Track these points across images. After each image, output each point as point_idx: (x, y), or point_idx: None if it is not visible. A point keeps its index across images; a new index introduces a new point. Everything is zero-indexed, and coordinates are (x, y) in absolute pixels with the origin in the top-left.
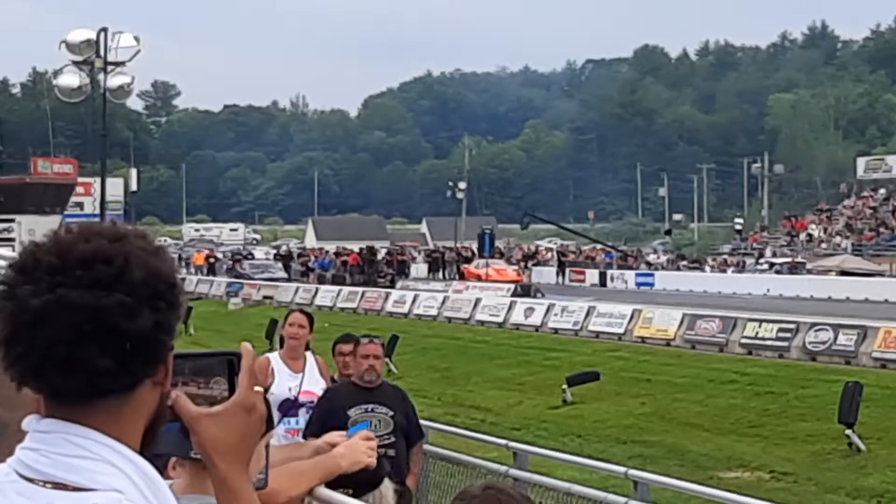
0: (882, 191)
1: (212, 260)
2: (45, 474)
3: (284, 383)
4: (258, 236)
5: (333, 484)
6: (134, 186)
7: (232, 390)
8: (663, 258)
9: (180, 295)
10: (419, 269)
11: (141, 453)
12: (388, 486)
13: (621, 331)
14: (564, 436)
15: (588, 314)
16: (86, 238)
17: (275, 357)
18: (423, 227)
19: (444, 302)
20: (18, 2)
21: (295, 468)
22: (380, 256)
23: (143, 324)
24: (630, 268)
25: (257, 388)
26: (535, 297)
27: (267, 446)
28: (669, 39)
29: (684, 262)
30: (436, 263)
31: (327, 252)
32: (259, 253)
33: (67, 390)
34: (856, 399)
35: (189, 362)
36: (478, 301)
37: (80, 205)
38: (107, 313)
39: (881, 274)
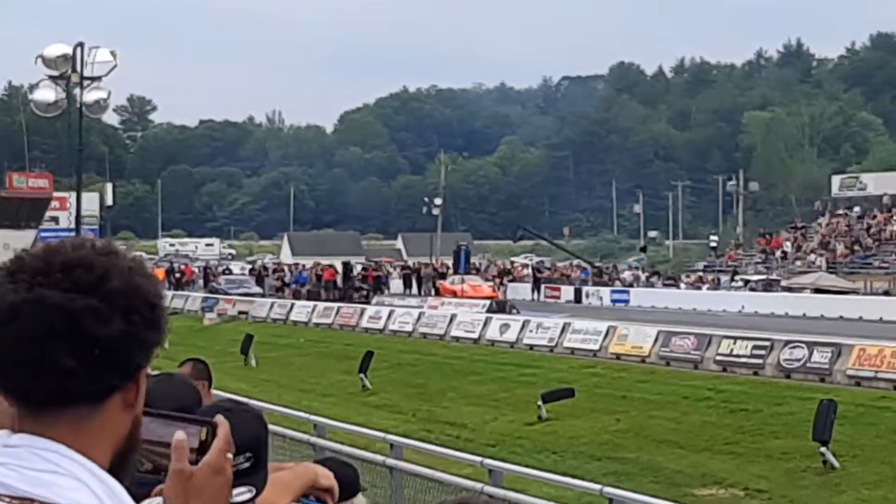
0: (856, 209)
1: (177, 275)
2: (11, 488)
3: None
4: (233, 251)
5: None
6: (109, 201)
7: (202, 453)
8: (642, 276)
9: (160, 317)
10: (396, 284)
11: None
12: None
13: (596, 347)
14: (540, 452)
15: (563, 330)
16: (74, 247)
17: None
18: (399, 243)
19: (419, 318)
20: None
21: (277, 479)
22: (355, 272)
23: (112, 331)
24: (605, 284)
25: (228, 455)
26: (510, 313)
27: None
28: (645, 57)
29: (658, 279)
30: (409, 279)
31: (303, 267)
32: (234, 268)
33: (34, 391)
34: (830, 417)
35: (162, 423)
36: (453, 317)
37: (55, 219)
38: (78, 315)
39: (855, 292)
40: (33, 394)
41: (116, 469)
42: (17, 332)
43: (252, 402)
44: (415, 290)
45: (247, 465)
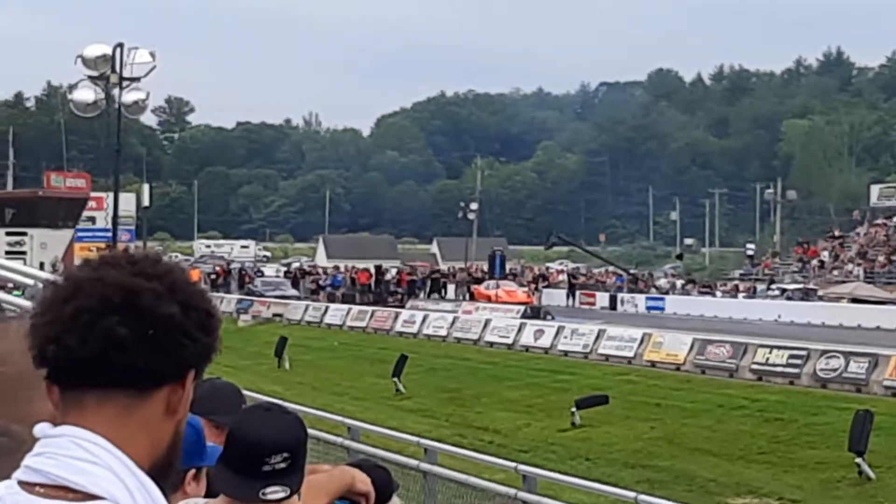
0: (895, 218)
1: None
2: (47, 475)
3: None
4: (269, 253)
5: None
6: (146, 202)
7: None
8: (678, 284)
9: (216, 326)
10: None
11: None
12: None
13: (631, 354)
14: (573, 459)
15: (598, 337)
16: (155, 253)
17: None
18: (434, 247)
19: (453, 322)
20: (34, 16)
21: (313, 482)
22: (389, 276)
23: (168, 311)
24: (640, 291)
25: None
26: (545, 319)
27: None
28: (684, 63)
29: (694, 286)
30: (437, 284)
31: (338, 270)
32: (269, 270)
33: (81, 360)
34: (866, 427)
35: None
36: (487, 322)
37: (92, 219)
38: (136, 293)
39: (893, 302)
40: (79, 365)
41: (156, 479)
42: (75, 306)
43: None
44: (442, 294)
45: (283, 465)
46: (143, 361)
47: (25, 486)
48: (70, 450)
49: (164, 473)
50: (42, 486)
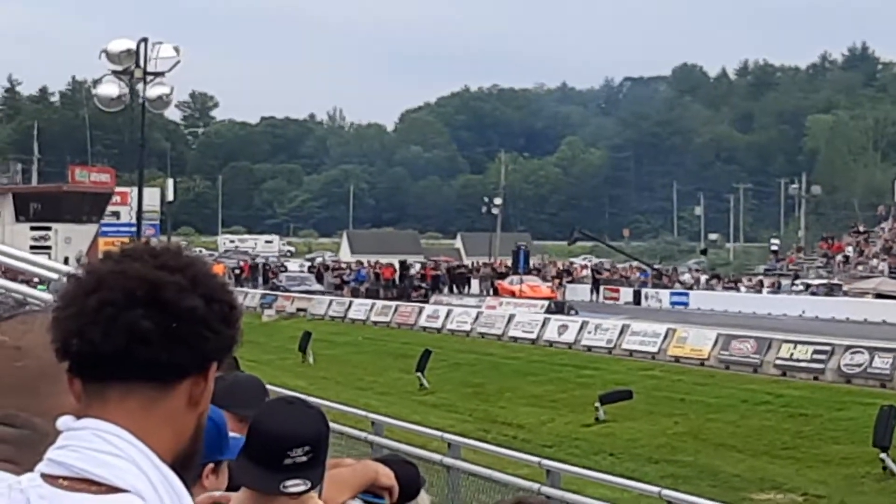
0: None
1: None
2: (71, 468)
3: None
4: (293, 248)
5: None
6: (170, 196)
7: None
8: (702, 279)
9: (237, 319)
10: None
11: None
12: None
13: (655, 350)
14: (596, 454)
15: (622, 332)
16: (177, 246)
17: None
18: (458, 242)
19: (477, 318)
20: (58, 11)
21: (336, 476)
22: (413, 271)
23: (191, 305)
24: (665, 287)
25: None
26: (568, 314)
27: None
28: (708, 58)
29: (718, 282)
30: (461, 279)
31: (362, 265)
32: (293, 265)
33: (104, 353)
34: (891, 423)
35: None
36: (511, 317)
37: (116, 214)
38: (160, 286)
39: None
40: (102, 359)
41: (179, 471)
42: (99, 299)
43: (310, 399)
44: (464, 290)
45: (305, 458)
46: (166, 354)
47: (49, 478)
48: (93, 442)
49: (187, 466)
50: (65, 478)
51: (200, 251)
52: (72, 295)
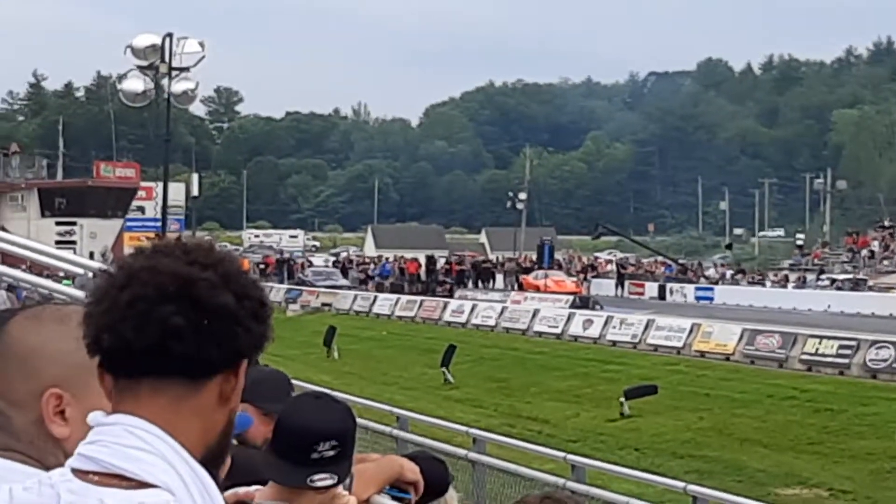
0: None
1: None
2: (101, 463)
3: None
4: (317, 243)
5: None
6: (195, 191)
7: None
8: (727, 274)
9: (268, 316)
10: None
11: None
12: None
13: (680, 345)
14: (621, 449)
15: (647, 327)
16: (208, 242)
17: None
18: (483, 237)
19: (502, 312)
20: (84, 5)
21: (361, 471)
22: (439, 265)
23: (223, 301)
24: (689, 281)
25: None
26: (593, 309)
27: None
28: (733, 53)
29: (743, 276)
30: (485, 273)
31: (387, 260)
32: (318, 260)
33: (136, 350)
34: None
35: None
36: (536, 312)
37: (141, 209)
38: (192, 282)
39: None
40: (134, 354)
41: (207, 465)
42: (131, 294)
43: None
44: (489, 284)
45: (332, 453)
46: (197, 351)
47: (79, 473)
48: (123, 438)
49: (216, 462)
50: (96, 473)
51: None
52: (103, 290)
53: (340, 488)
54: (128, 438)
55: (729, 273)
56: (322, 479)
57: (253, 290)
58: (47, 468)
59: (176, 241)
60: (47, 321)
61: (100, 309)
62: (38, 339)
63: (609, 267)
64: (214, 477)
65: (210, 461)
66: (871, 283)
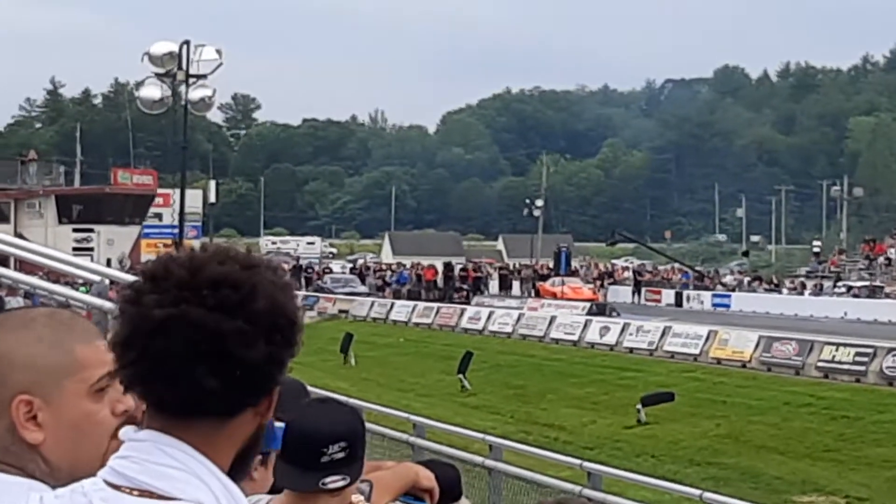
0: None
1: None
2: (132, 480)
3: None
4: (335, 250)
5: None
6: (213, 198)
7: None
8: (744, 281)
9: (298, 333)
10: (495, 285)
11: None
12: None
13: (697, 352)
14: (638, 456)
15: (663, 334)
16: (220, 260)
17: None
18: (500, 244)
19: (518, 319)
20: (101, 13)
21: (378, 478)
22: (455, 272)
23: (257, 354)
24: (706, 288)
25: None
26: (610, 316)
27: None
28: (750, 60)
29: (760, 284)
30: (507, 280)
31: (404, 267)
32: (335, 267)
33: (170, 402)
34: None
35: None
36: (553, 319)
37: (159, 216)
38: (224, 337)
39: None
40: (169, 405)
41: (235, 468)
42: (160, 347)
43: (351, 400)
44: (515, 290)
45: (342, 455)
46: (233, 400)
47: (111, 486)
48: (155, 455)
49: (246, 460)
50: (127, 488)
51: (280, 264)
52: (130, 331)
53: (357, 495)
54: (159, 456)
55: (746, 280)
56: (334, 481)
57: (282, 319)
58: (29, 475)
59: (197, 265)
60: (12, 327)
61: (129, 359)
62: (3, 346)
63: (626, 274)
64: (239, 480)
65: (237, 463)
66: (887, 290)
